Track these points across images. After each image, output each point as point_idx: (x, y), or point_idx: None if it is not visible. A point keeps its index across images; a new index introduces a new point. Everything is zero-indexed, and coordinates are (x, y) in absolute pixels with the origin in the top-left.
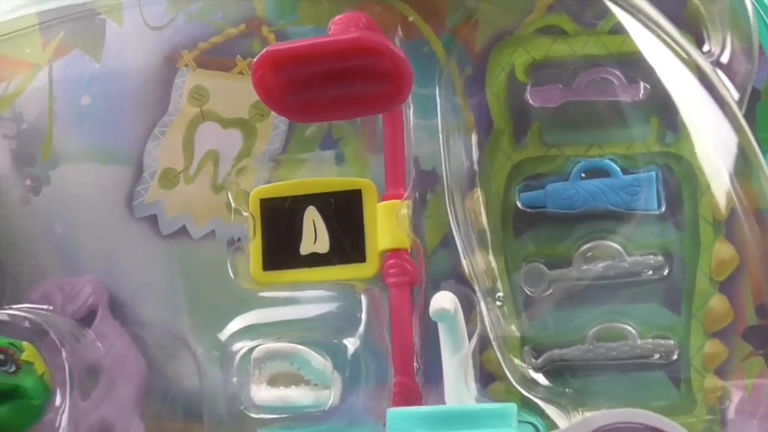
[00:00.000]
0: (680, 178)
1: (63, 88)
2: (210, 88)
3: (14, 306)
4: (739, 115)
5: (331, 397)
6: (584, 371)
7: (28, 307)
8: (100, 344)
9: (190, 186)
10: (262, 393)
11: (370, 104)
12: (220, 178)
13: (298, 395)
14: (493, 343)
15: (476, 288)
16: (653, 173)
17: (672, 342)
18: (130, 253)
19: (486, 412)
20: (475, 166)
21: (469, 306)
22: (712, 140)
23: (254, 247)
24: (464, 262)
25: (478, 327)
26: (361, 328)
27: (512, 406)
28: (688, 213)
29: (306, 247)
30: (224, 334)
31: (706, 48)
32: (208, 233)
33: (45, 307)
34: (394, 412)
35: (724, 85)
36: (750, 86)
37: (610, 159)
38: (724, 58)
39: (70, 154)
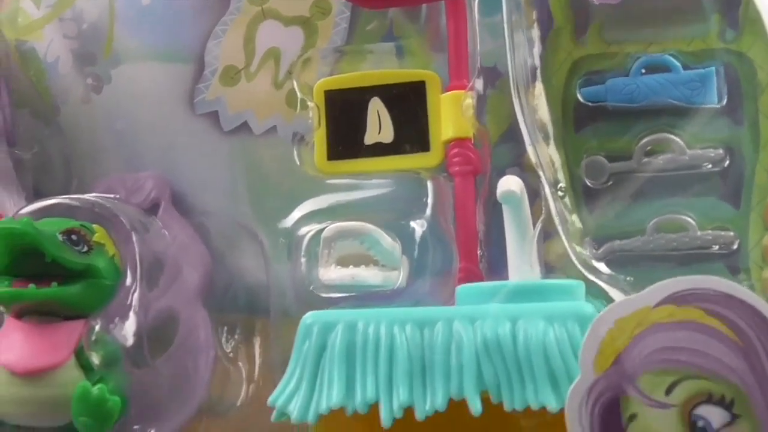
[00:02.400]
0: (741, 74)
1: None
2: None
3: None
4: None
5: (399, 277)
6: (644, 261)
7: (95, 195)
8: (166, 234)
9: (251, 83)
10: (331, 273)
11: None
12: (281, 75)
13: (368, 274)
14: (559, 229)
15: (541, 175)
16: (713, 68)
17: (732, 233)
18: (192, 149)
19: (554, 287)
20: (537, 62)
21: (533, 195)
22: None
23: (319, 138)
24: (529, 151)
25: (543, 213)
26: (428, 212)
27: (580, 283)
28: (748, 109)
29: (371, 137)
30: (289, 221)
31: None
32: (269, 128)
33: (112, 196)
34: (464, 287)
35: None
36: None
37: (671, 54)
38: None
39: (131, 53)
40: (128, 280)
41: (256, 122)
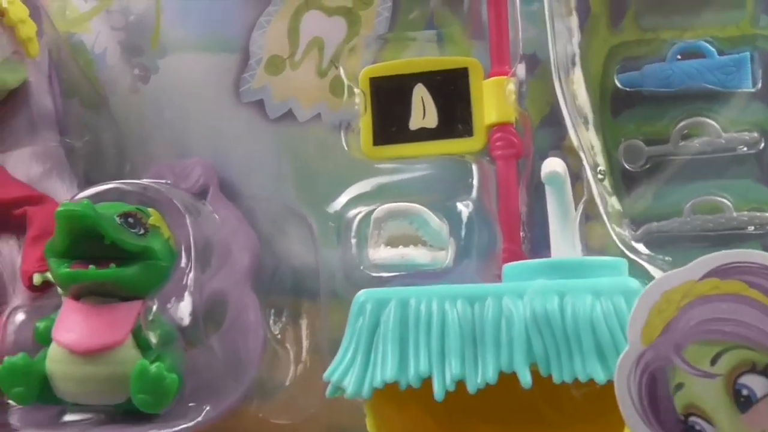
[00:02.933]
0: None
1: None
2: None
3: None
4: None
5: (447, 257)
6: (681, 242)
7: (148, 180)
8: (213, 218)
9: (296, 71)
10: (381, 252)
11: None
12: (324, 63)
13: (417, 254)
14: (600, 210)
15: (583, 158)
16: (747, 53)
17: (767, 214)
18: (238, 136)
19: (598, 264)
20: (576, 49)
21: (574, 177)
22: None
23: (365, 123)
24: (571, 134)
25: (585, 194)
26: (474, 194)
27: (623, 260)
28: None
29: (415, 123)
30: (337, 205)
31: None
32: (314, 116)
33: (163, 181)
34: (510, 266)
35: None
36: None
37: (706, 41)
38: None
39: (177, 44)
40: (183, 262)
41: (301, 110)
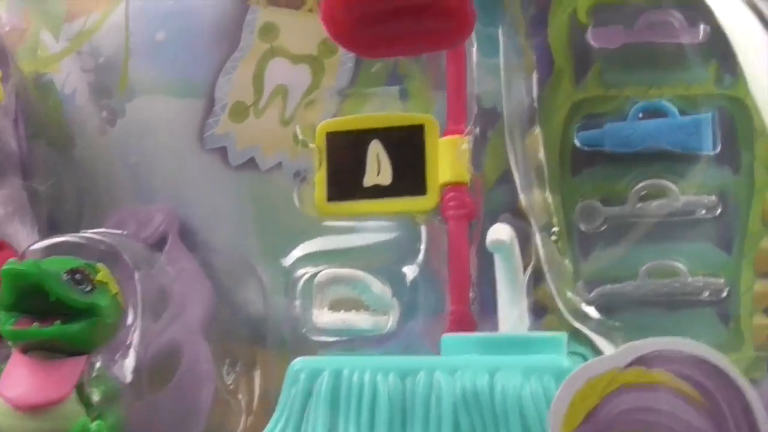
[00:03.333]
0: (737, 120)
1: (139, 23)
2: (280, 24)
3: (90, 231)
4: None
5: (389, 322)
6: (635, 307)
7: (103, 231)
8: (170, 269)
9: (259, 119)
10: (323, 316)
11: (435, 41)
12: (288, 112)
13: (358, 319)
14: (547, 276)
15: (532, 221)
16: (710, 115)
17: (722, 280)
18: (200, 183)
19: (537, 340)
20: (535, 105)
21: (524, 239)
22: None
23: (319, 179)
24: (521, 196)
25: (533, 259)
26: (420, 258)
27: (563, 335)
28: (743, 155)
29: (369, 180)
30: (288, 261)
31: None
32: (275, 165)
33: (119, 231)
34: (448, 337)
35: None
36: None
37: (668, 100)
38: None
39: (145, 87)
40: (129, 318)
41: (263, 158)
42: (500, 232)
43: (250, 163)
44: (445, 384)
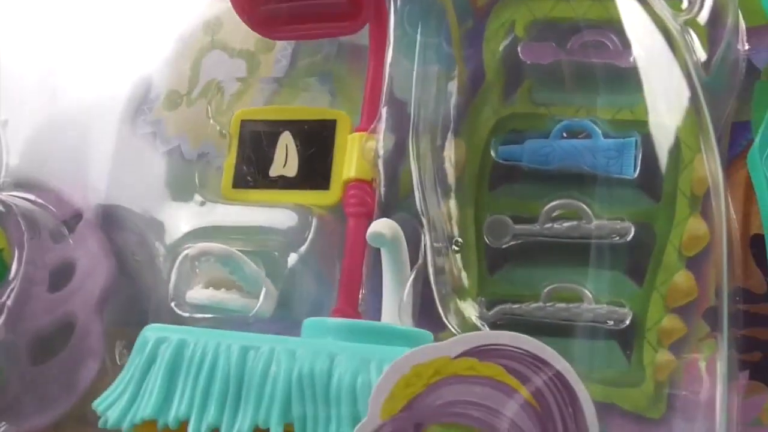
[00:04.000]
0: (664, 149)
1: None
2: (224, 18)
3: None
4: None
5: (259, 305)
6: (533, 329)
7: (13, 195)
8: (78, 245)
9: (190, 109)
10: (194, 292)
11: (333, 25)
12: (218, 104)
13: (227, 298)
14: (433, 285)
15: (424, 224)
16: (633, 140)
17: (625, 310)
18: (130, 166)
19: (401, 333)
20: (460, 117)
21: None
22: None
23: (227, 165)
24: (416, 196)
25: (420, 260)
26: (305, 248)
27: (429, 334)
28: (667, 185)
29: (275, 170)
30: (174, 237)
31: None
32: (200, 154)
33: (32, 198)
34: (310, 320)
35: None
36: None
37: (592, 120)
38: (702, 17)
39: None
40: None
41: (189, 147)
42: (381, 225)
43: (176, 151)
44: (284, 364)
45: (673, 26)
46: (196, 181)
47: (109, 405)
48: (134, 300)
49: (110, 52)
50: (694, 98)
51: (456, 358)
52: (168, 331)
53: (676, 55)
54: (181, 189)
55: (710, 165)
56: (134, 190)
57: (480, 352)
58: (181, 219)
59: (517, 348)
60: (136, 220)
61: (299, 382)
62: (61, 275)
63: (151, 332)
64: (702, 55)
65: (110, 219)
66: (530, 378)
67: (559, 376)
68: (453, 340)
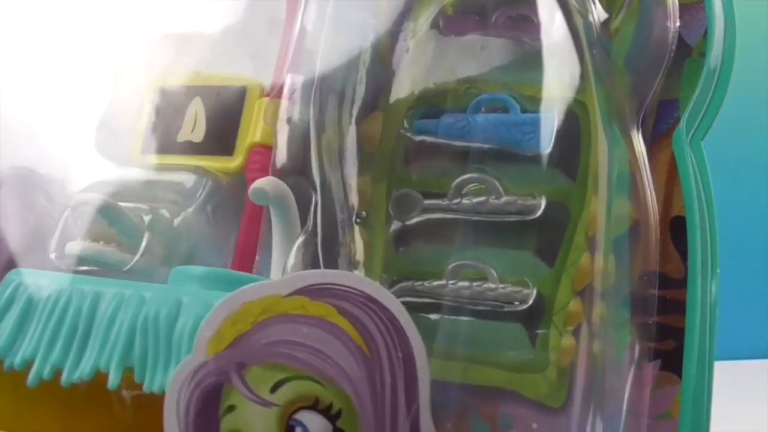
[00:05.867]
0: (581, 127)
1: None
2: None
3: None
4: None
5: (135, 260)
6: (437, 309)
7: None
8: None
9: None
10: (72, 244)
11: None
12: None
13: (103, 250)
14: (320, 255)
15: (316, 187)
16: (550, 115)
17: (528, 291)
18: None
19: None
20: (379, 91)
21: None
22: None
23: (137, 130)
24: (313, 164)
25: (309, 223)
26: (193, 209)
27: None
28: (582, 164)
29: (182, 135)
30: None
31: None
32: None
33: None
34: (178, 269)
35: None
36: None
37: (512, 96)
38: None
39: None
40: None
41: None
42: (264, 183)
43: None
44: (132, 309)
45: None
46: (105, 146)
47: None
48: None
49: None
50: (587, 73)
51: (287, 296)
52: (30, 276)
53: (572, 27)
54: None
55: (601, 140)
56: (45, 154)
57: (312, 291)
58: (81, 180)
59: (352, 288)
60: (46, 183)
61: (144, 326)
62: None
63: (14, 276)
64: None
65: (22, 183)
66: (361, 320)
67: (392, 320)
68: (286, 278)
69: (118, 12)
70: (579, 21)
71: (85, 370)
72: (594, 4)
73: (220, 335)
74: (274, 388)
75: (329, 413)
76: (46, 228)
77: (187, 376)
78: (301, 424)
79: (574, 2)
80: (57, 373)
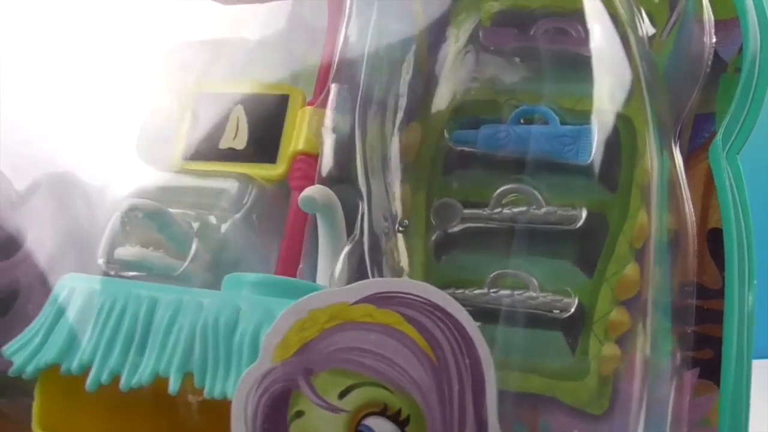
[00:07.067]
0: (623, 139)
1: None
2: None
3: None
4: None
5: (185, 266)
6: (476, 316)
7: None
8: (30, 213)
9: None
10: (122, 249)
11: None
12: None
13: (153, 256)
14: (368, 264)
15: (363, 196)
16: (589, 126)
17: (569, 300)
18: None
19: (311, 288)
20: (418, 101)
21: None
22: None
23: (178, 137)
24: (359, 172)
25: (356, 231)
26: (240, 215)
27: None
28: (623, 175)
29: (225, 142)
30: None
31: None
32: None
33: None
34: (232, 276)
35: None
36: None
37: (551, 107)
38: None
39: None
40: None
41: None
42: (314, 191)
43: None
44: (190, 314)
45: (627, 13)
46: (147, 152)
47: (17, 349)
48: (81, 266)
49: (74, 31)
50: (640, 87)
51: (354, 304)
52: (84, 281)
53: (626, 41)
54: (130, 159)
55: (651, 155)
56: (85, 159)
57: (379, 299)
58: (126, 184)
59: (417, 296)
60: (84, 187)
61: (203, 332)
62: (9, 245)
63: (67, 281)
64: (650, 29)
65: (61, 188)
66: (428, 328)
67: (459, 327)
68: (353, 286)
69: (156, 18)
70: (630, 35)
71: (144, 375)
72: (642, 19)
73: (287, 342)
74: (342, 394)
75: (398, 419)
76: (83, 232)
77: (254, 382)
78: (370, 429)
79: (624, 16)
80: (115, 377)
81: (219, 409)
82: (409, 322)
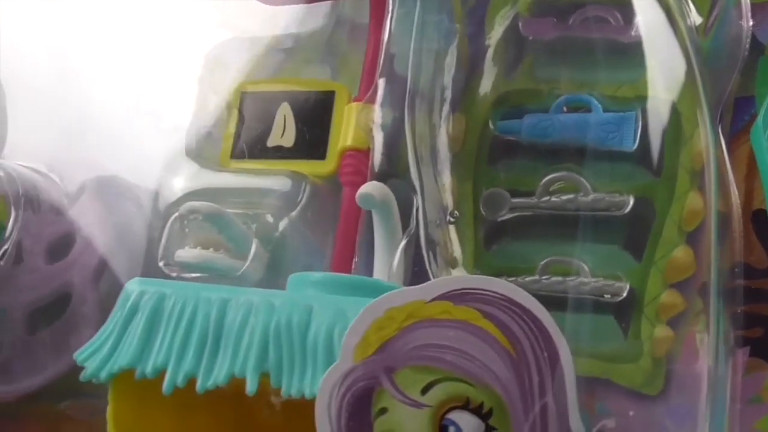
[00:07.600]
0: (667, 124)
1: None
2: None
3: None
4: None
5: (246, 266)
6: None
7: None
8: (79, 215)
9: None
10: (182, 252)
11: None
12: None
13: (214, 257)
14: (426, 257)
15: (417, 194)
16: (633, 113)
17: (622, 284)
18: (129, 138)
19: (384, 288)
20: (461, 92)
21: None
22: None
23: (226, 136)
24: (411, 166)
25: (412, 225)
26: (296, 213)
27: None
28: (668, 159)
29: (273, 140)
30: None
31: None
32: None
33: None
34: (295, 275)
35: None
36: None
37: (593, 95)
38: None
39: None
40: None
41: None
42: (371, 187)
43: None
44: (262, 315)
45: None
46: (196, 151)
47: (89, 355)
48: (131, 266)
49: (120, 35)
50: (691, 72)
51: (431, 301)
52: (151, 285)
53: (676, 29)
54: (179, 159)
55: (705, 139)
56: (133, 161)
57: (455, 296)
58: (177, 185)
59: (492, 292)
60: (134, 190)
61: (277, 332)
62: (61, 247)
63: (134, 286)
64: (697, 19)
65: (109, 190)
66: (505, 322)
67: (535, 320)
68: (428, 284)
69: (197, 17)
70: (681, 23)
71: (219, 376)
72: (689, 7)
73: (366, 341)
74: (425, 390)
75: (480, 412)
76: (134, 235)
77: (336, 381)
78: (454, 423)
79: (674, 5)
80: (191, 380)
81: (293, 408)
82: (487, 317)
